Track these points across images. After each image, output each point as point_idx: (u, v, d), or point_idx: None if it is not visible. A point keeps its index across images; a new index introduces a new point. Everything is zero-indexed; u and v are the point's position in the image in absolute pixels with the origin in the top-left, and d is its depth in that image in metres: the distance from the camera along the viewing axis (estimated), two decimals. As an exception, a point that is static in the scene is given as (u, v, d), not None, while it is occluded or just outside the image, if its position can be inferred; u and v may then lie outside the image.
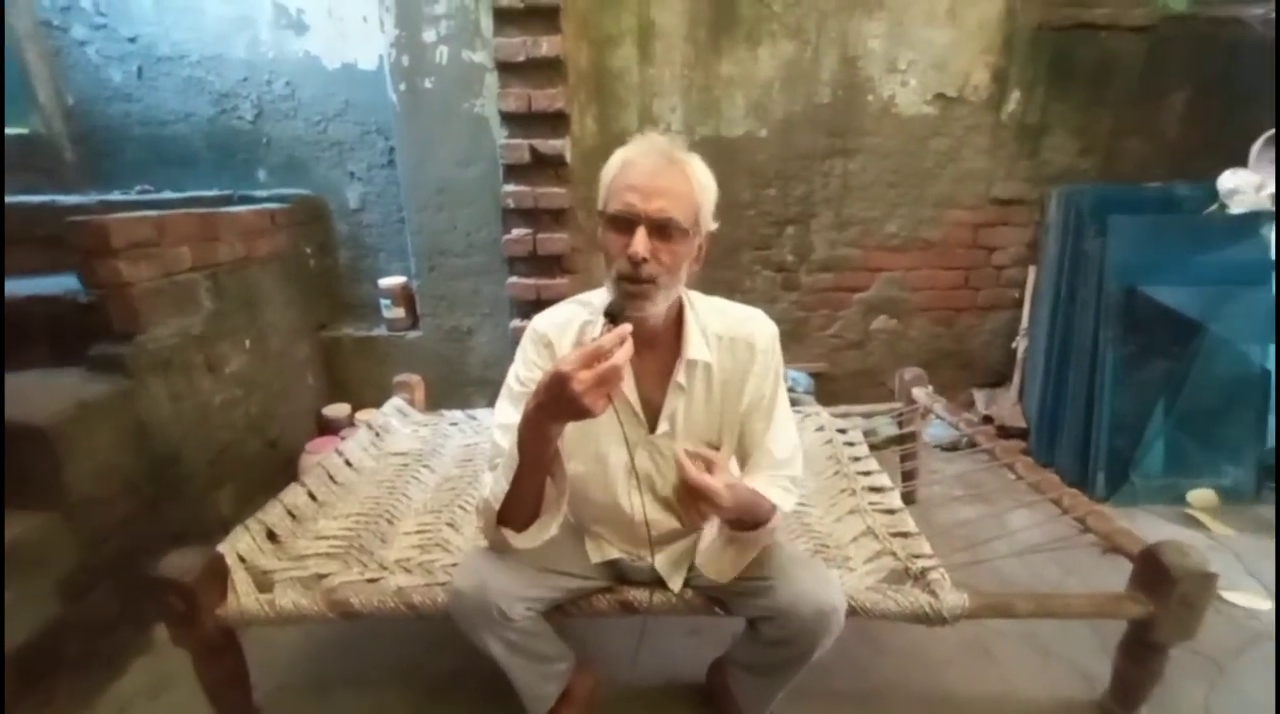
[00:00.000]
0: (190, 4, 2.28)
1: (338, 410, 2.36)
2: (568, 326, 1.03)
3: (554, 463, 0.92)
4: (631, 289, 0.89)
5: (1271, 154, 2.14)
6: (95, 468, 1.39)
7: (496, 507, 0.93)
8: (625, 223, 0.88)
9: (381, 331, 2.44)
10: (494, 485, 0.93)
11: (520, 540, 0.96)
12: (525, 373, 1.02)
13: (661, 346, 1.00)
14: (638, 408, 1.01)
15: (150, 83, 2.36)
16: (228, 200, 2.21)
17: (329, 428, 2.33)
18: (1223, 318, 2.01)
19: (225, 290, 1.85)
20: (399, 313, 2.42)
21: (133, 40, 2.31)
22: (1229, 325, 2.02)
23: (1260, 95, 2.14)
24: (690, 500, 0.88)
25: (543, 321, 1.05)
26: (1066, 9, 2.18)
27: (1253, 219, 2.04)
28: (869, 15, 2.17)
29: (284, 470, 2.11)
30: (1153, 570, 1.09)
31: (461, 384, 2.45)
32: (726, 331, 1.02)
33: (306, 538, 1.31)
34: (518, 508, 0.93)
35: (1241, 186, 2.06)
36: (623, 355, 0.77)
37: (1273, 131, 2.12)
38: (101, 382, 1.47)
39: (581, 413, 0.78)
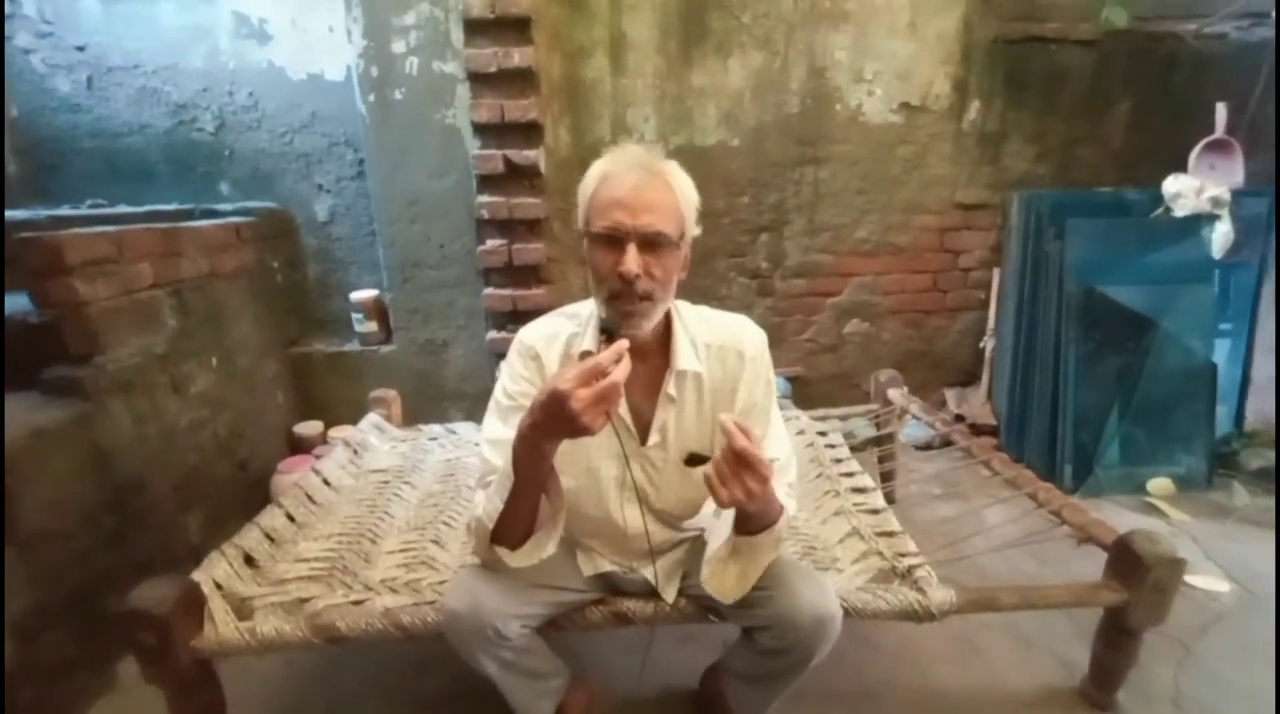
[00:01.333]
0: (143, 13, 2.21)
1: (309, 428, 2.29)
2: (554, 339, 1.01)
3: (549, 480, 0.90)
4: (626, 308, 0.88)
5: (1209, 160, 2.28)
6: (50, 499, 1.31)
7: (490, 526, 0.91)
8: (613, 240, 0.87)
9: (354, 346, 2.38)
10: (486, 504, 0.91)
11: (515, 559, 0.94)
12: (513, 387, 1.00)
13: (651, 358, 0.99)
14: (628, 420, 1.00)
15: (101, 93, 2.27)
16: (189, 214, 2.13)
17: (301, 447, 2.26)
18: (1171, 314, 2.13)
19: (190, 308, 1.78)
20: (371, 327, 2.36)
21: (81, 49, 2.22)
22: (1177, 321, 2.13)
23: (1196, 104, 2.27)
24: (735, 472, 0.79)
25: (529, 334, 1.03)
26: (1018, 23, 2.29)
27: (1194, 221, 2.16)
28: (834, 27, 2.24)
29: (255, 492, 2.03)
30: (1126, 559, 1.13)
31: (438, 398, 2.41)
32: (715, 340, 1.01)
33: (286, 561, 1.26)
34: (512, 526, 0.91)
35: (1184, 190, 2.18)
36: (621, 372, 0.76)
37: (1209, 138, 2.25)
38: (57, 406, 1.39)
39: (580, 431, 0.76)
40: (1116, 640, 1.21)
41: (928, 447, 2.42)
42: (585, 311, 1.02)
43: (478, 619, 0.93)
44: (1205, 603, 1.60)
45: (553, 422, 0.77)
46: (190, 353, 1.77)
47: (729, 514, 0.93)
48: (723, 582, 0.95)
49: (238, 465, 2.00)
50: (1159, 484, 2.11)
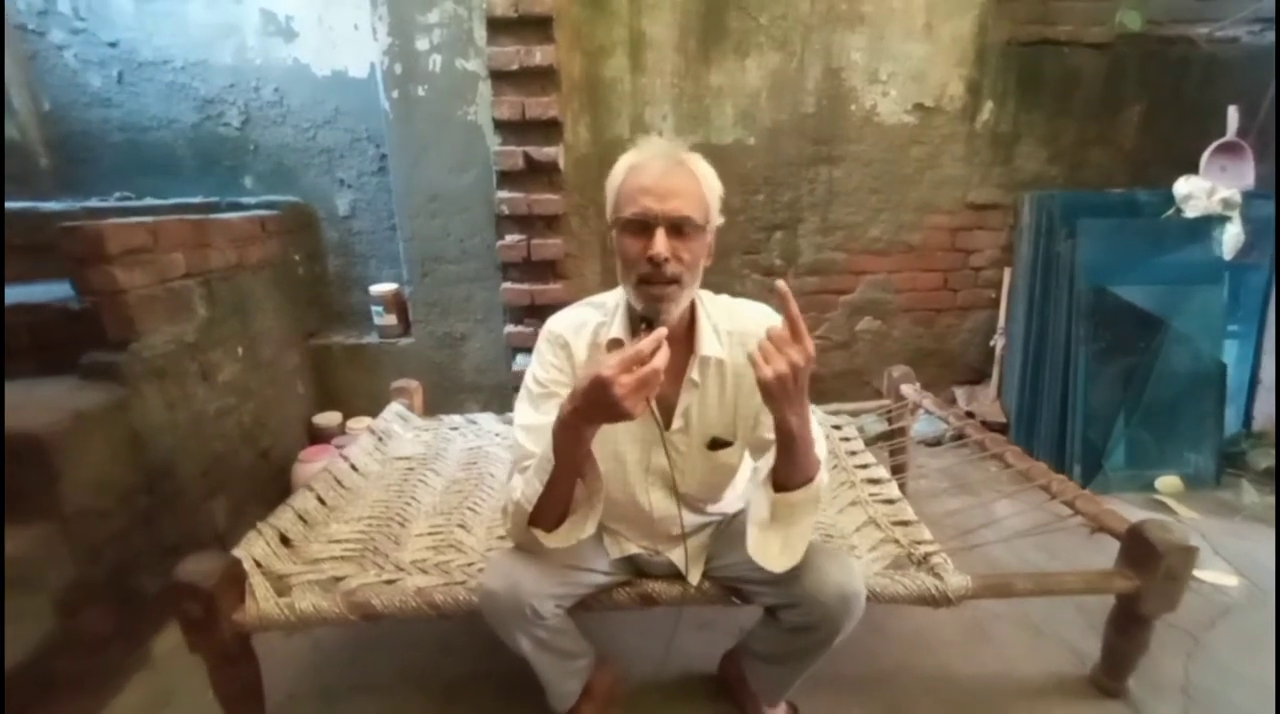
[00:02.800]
0: (173, 10, 2.25)
1: (329, 419, 2.33)
2: (582, 328, 1.04)
3: (586, 463, 0.93)
4: (655, 292, 0.91)
5: (1220, 162, 2.30)
6: (91, 479, 1.35)
7: (529, 509, 0.93)
8: (642, 226, 0.90)
9: (373, 339, 2.42)
10: (525, 487, 0.94)
11: (552, 540, 0.97)
12: (543, 374, 1.03)
13: (675, 344, 0.99)
14: (653, 406, 1.00)
15: (131, 88, 2.31)
16: (215, 207, 2.18)
17: (320, 437, 2.30)
18: (1181, 314, 2.15)
19: (218, 297, 1.82)
20: (391, 320, 2.40)
21: (113, 45, 2.27)
22: (1187, 322, 2.16)
23: (1207, 107, 2.30)
24: (779, 347, 0.80)
25: (557, 323, 1.06)
26: (1032, 26, 2.31)
27: (1205, 222, 2.19)
28: (851, 29, 2.27)
29: (276, 481, 2.08)
30: (1139, 546, 1.16)
31: (455, 391, 2.44)
32: (737, 328, 1.03)
33: (319, 542, 1.30)
34: (550, 509, 0.94)
35: (1195, 192, 2.21)
36: (661, 359, 0.79)
37: (1221, 141, 2.28)
38: (96, 390, 1.44)
39: (621, 416, 0.79)
40: (1128, 628, 1.23)
41: (936, 443, 2.44)
42: (611, 301, 1.05)
43: (515, 598, 0.97)
44: (1213, 597, 1.62)
45: (595, 407, 0.80)
46: (218, 342, 1.82)
47: (765, 489, 0.95)
48: (767, 550, 0.96)
49: (260, 454, 2.04)
50: (1168, 482, 2.14)
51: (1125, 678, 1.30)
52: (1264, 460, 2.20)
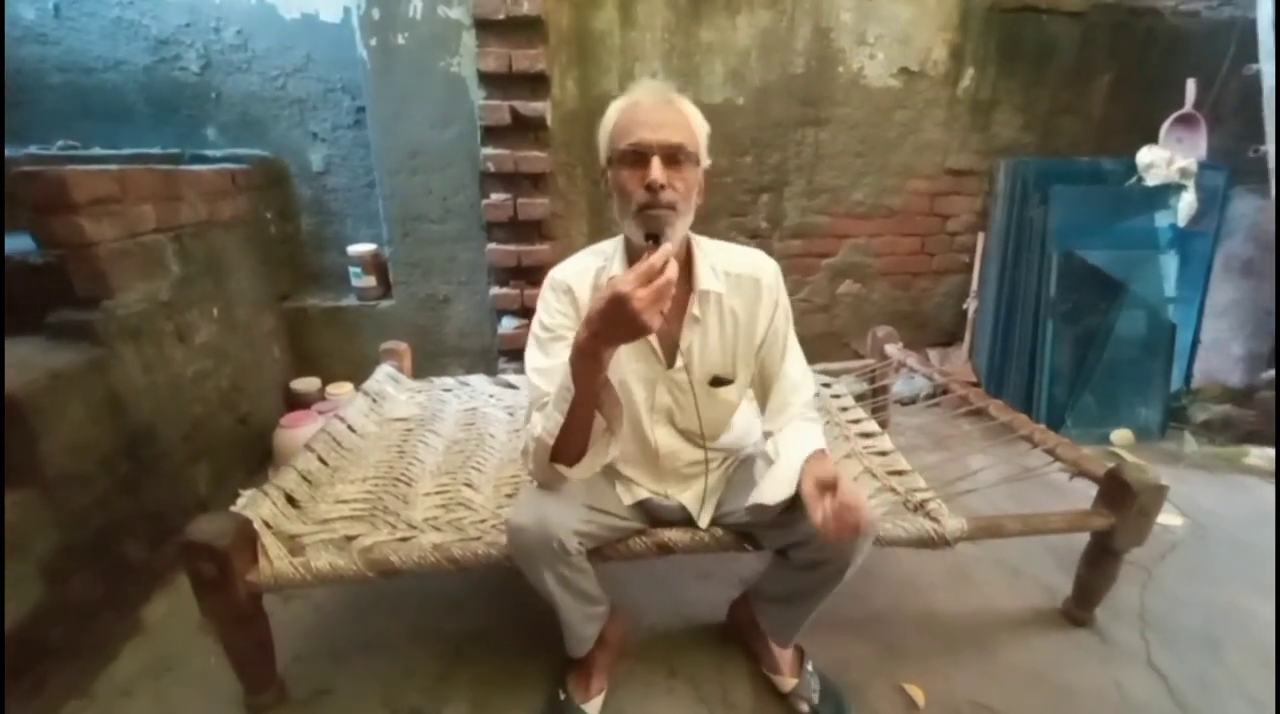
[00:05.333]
0: (117, -63, 2.05)
1: (307, 385, 2.25)
2: (585, 273, 1.07)
3: (605, 391, 0.94)
4: (654, 215, 0.93)
5: (1177, 133, 2.43)
6: (71, 442, 1.28)
7: (551, 442, 0.95)
8: (638, 157, 0.92)
9: (351, 301, 2.33)
10: (545, 422, 0.95)
11: (576, 471, 0.99)
12: (549, 320, 1.05)
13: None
14: (655, 344, 1.06)
15: (70, 23, 2.10)
16: (177, 159, 2.03)
17: (299, 403, 2.22)
18: (1139, 278, 2.29)
19: (191, 254, 1.72)
20: (369, 281, 2.31)
21: (46, -28, 2.06)
22: (1144, 285, 2.30)
23: (1169, 80, 2.40)
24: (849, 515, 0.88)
25: (561, 272, 1.09)
26: (1015, -10, 2.35)
27: (1163, 191, 2.32)
28: (840, -12, 2.26)
29: (256, 447, 2.01)
30: (1117, 487, 1.26)
31: (438, 355, 2.39)
32: (733, 268, 1.07)
33: (326, 502, 1.28)
34: (570, 441, 0.96)
35: (1156, 161, 2.33)
36: (672, 270, 0.81)
37: (1178, 113, 2.40)
38: (69, 350, 1.35)
39: (641, 330, 0.81)
40: (1100, 562, 1.35)
41: (912, 401, 2.55)
42: (610, 248, 1.09)
43: (544, 531, 0.98)
44: (1161, 535, 1.77)
45: (614, 325, 0.82)
46: (192, 302, 1.72)
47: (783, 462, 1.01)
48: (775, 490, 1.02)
49: (239, 420, 1.96)
50: (1121, 435, 2.30)
51: (1093, 608, 1.42)
52: (1202, 414, 2.39)
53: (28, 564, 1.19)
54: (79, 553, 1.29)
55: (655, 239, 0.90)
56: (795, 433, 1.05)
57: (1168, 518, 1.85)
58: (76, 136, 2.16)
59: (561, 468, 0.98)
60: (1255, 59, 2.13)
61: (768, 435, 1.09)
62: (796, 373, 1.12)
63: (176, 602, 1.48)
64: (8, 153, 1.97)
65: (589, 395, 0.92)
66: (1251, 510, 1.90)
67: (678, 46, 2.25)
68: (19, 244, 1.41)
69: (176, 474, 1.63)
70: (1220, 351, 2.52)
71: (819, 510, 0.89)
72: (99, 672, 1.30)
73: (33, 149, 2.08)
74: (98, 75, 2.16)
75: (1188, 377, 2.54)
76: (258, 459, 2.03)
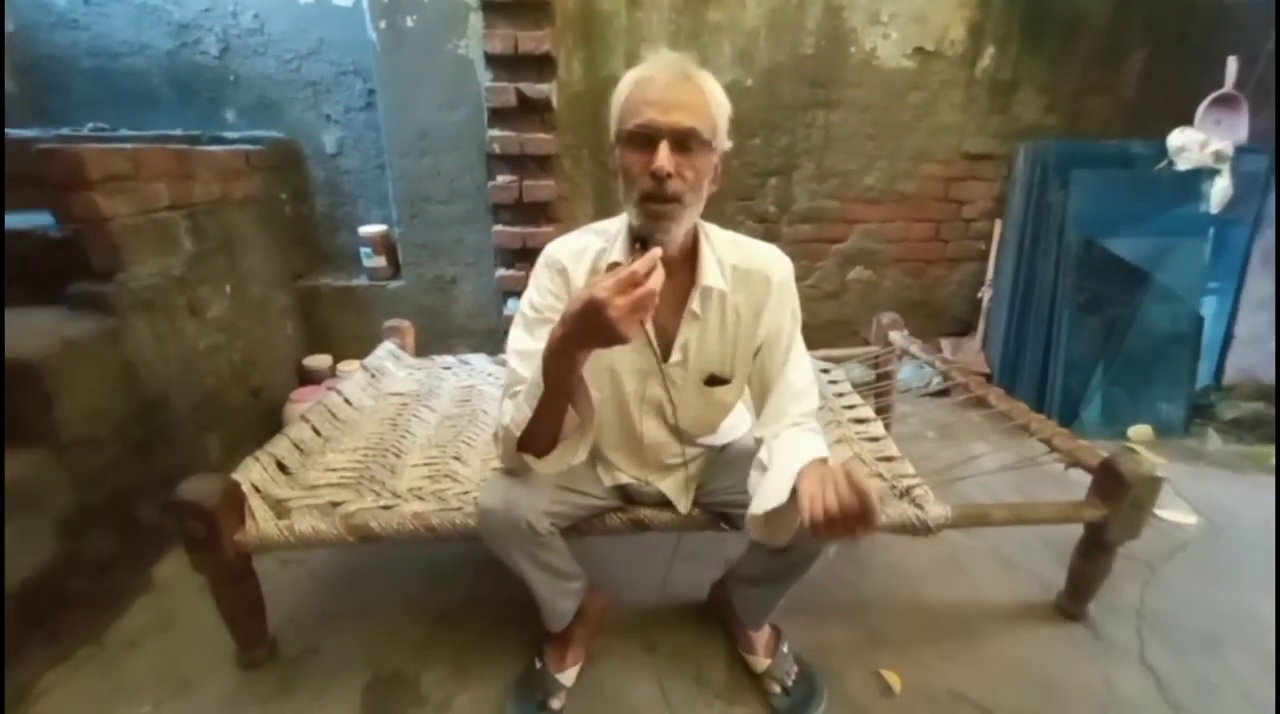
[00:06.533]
0: (141, -75, 2.12)
1: (319, 361, 2.33)
2: (583, 254, 1.01)
3: (578, 390, 0.89)
4: (656, 209, 0.87)
5: (1216, 114, 2.29)
6: (86, 407, 1.36)
7: (517, 434, 0.92)
8: (645, 139, 0.85)
9: (362, 281, 2.39)
10: (515, 412, 0.92)
11: (542, 466, 0.96)
12: (539, 300, 1.01)
13: (676, 274, 0.95)
14: (651, 336, 1.00)
15: (98, 8, 2.19)
16: (196, 141, 2.10)
17: (310, 379, 2.30)
18: (1165, 268, 2.19)
19: (204, 232, 1.78)
20: (380, 262, 2.37)
21: (75, -40, 2.14)
22: (1170, 275, 2.19)
23: (1209, 57, 2.26)
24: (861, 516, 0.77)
25: (556, 249, 1.03)
26: (1041, -38, 2.25)
27: (1195, 175, 2.20)
28: (853, -35, 2.20)
29: (268, 421, 2.09)
30: (1110, 477, 1.22)
31: (445, 335, 2.44)
32: (742, 263, 1.01)
33: (316, 470, 1.33)
34: (539, 435, 0.92)
35: (1189, 144, 2.21)
36: (656, 280, 0.75)
37: (1218, 93, 2.26)
38: (85, 320, 1.42)
39: (615, 339, 0.76)
40: (1093, 555, 1.31)
41: (922, 392, 2.50)
42: (613, 227, 1.02)
43: (512, 514, 0.98)
44: (1172, 532, 1.72)
45: (588, 330, 0.77)
46: (205, 278, 1.79)
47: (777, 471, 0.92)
48: (768, 533, 0.95)
49: (251, 393, 2.04)
50: (1139, 430, 2.22)
51: (1087, 602, 1.38)
52: (1231, 411, 2.28)
53: (44, 519, 1.27)
54: (93, 511, 1.37)
55: (644, 243, 0.84)
56: (792, 442, 0.96)
57: (1180, 516, 1.78)
58: (106, 119, 2.25)
59: (530, 459, 0.95)
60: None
61: (759, 442, 1.02)
62: (799, 382, 1.03)
63: (184, 563, 1.52)
64: (41, 133, 2.07)
65: (560, 394, 0.87)
66: (1272, 512, 1.82)
67: (685, 27, 2.22)
68: (40, 221, 1.49)
69: (189, 442, 1.71)
70: (1256, 347, 2.39)
71: (810, 509, 0.79)
72: (110, 623, 1.38)
73: (65, 131, 2.17)
74: (124, 59, 2.25)
75: (1219, 372, 2.42)
76: (269, 432, 2.07)
